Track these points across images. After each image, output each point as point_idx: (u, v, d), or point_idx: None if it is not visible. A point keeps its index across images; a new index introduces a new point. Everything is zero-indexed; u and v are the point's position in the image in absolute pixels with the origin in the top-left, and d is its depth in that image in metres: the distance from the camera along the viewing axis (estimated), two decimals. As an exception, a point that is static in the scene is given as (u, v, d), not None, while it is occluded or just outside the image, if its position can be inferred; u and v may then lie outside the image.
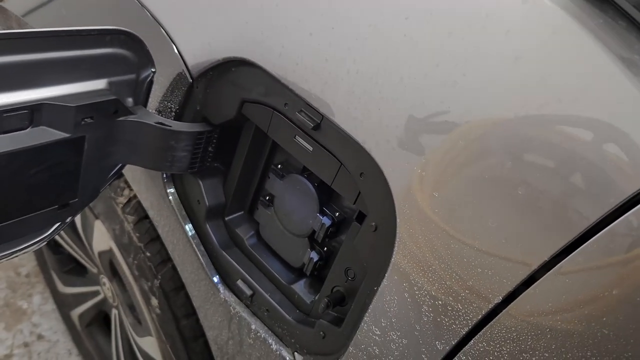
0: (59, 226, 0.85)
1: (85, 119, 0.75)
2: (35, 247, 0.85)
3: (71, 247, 1.58)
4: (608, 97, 0.53)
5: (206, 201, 0.93)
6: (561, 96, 0.55)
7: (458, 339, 0.62)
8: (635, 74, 0.53)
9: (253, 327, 0.91)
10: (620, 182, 0.52)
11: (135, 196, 1.12)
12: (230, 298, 0.94)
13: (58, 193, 0.80)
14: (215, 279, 0.95)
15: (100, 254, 1.34)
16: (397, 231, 0.66)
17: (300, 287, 0.87)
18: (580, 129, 0.54)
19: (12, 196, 0.73)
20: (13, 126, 0.69)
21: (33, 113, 0.70)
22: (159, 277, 1.11)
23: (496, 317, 0.59)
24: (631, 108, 0.52)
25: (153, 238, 1.10)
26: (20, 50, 0.67)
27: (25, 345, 1.82)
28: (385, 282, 0.68)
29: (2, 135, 0.68)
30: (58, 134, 0.73)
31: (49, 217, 0.82)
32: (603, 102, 0.53)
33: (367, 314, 0.71)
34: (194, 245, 0.96)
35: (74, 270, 1.71)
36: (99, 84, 0.78)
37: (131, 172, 1.07)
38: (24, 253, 0.84)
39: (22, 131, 0.70)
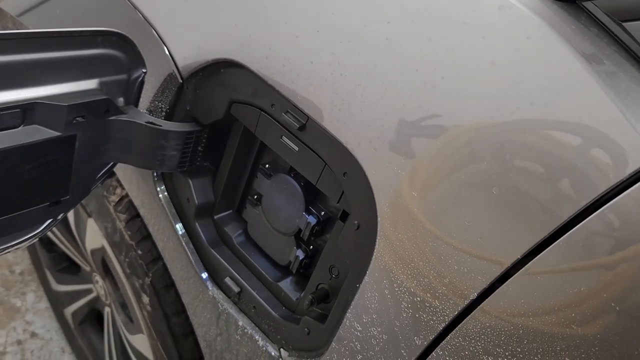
0: (50, 223, 0.87)
1: (77, 118, 0.76)
2: (26, 244, 0.86)
3: (65, 245, 1.59)
4: (579, 100, 0.55)
5: (195, 200, 0.94)
6: (533, 100, 0.57)
7: (435, 334, 0.64)
8: (604, 78, 0.55)
9: (240, 323, 0.92)
10: (592, 181, 0.54)
11: (127, 195, 1.14)
12: (219, 295, 0.95)
13: (50, 190, 0.81)
14: (204, 276, 0.97)
15: (93, 251, 1.35)
16: (378, 230, 0.67)
17: (286, 285, 0.89)
18: (552, 131, 0.56)
19: (4, 193, 0.75)
20: (5, 124, 0.71)
21: (25, 112, 0.72)
22: (150, 274, 1.12)
23: (471, 314, 0.61)
24: (600, 110, 0.54)
25: (144, 236, 1.12)
26: (13, 50, 0.69)
27: (19, 342, 1.83)
28: (366, 279, 0.69)
29: (-5, 133, 0.69)
30: (50, 133, 0.74)
31: (40, 214, 0.84)
32: (574, 105, 0.55)
33: (349, 311, 0.73)
34: (184, 243, 0.98)
35: (68, 268, 1.73)
36: (91, 83, 0.79)
37: (122, 170, 1.08)
38: (15, 249, 0.86)
39: (15, 129, 0.72)
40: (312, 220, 0.81)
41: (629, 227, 0.53)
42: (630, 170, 0.52)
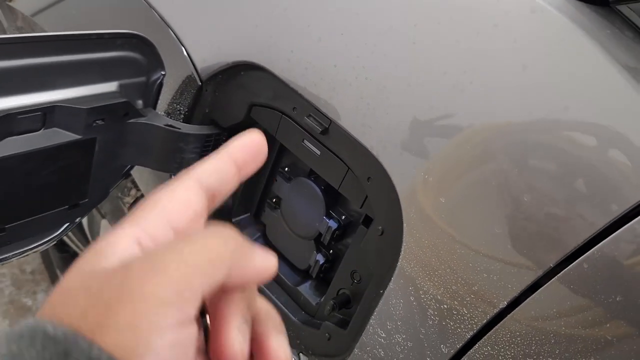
0: (68, 226, 0.86)
1: (97, 121, 0.76)
2: (44, 247, 0.86)
3: (77, 245, 1.59)
4: (614, 106, 0.54)
5: (213, 203, 0.93)
6: (567, 104, 0.55)
7: (463, 342, 0.63)
8: (641, 84, 0.53)
9: (259, 327, 0.91)
10: (626, 190, 0.53)
11: (142, 196, 1.13)
12: (236, 299, 0.95)
13: (69, 193, 0.81)
14: (222, 280, 0.96)
15: (106, 253, 1.35)
16: (404, 236, 0.66)
17: (306, 289, 0.88)
18: (586, 137, 0.55)
19: (24, 197, 0.74)
20: (26, 128, 0.70)
21: (46, 115, 0.71)
22: (165, 277, 1.11)
23: (501, 322, 0.60)
24: (637, 117, 0.53)
25: (159, 238, 1.11)
26: (34, 53, 0.69)
27: (30, 342, 1.83)
28: (391, 285, 0.69)
29: (16, 137, 0.69)
30: (70, 136, 0.74)
31: (58, 217, 0.83)
32: (609, 112, 0.54)
33: (372, 317, 0.72)
34: (201, 246, 0.97)
35: (79, 268, 1.72)
36: (110, 86, 0.79)
37: (138, 173, 1.07)
38: (33, 252, 0.86)
39: (35, 133, 0.71)
40: (333, 224, 0.80)
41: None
42: (667, 178, 0.51)
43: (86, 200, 0.83)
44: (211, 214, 0.97)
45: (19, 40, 0.67)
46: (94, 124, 0.76)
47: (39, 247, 0.86)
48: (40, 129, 0.72)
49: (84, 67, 0.75)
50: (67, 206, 0.82)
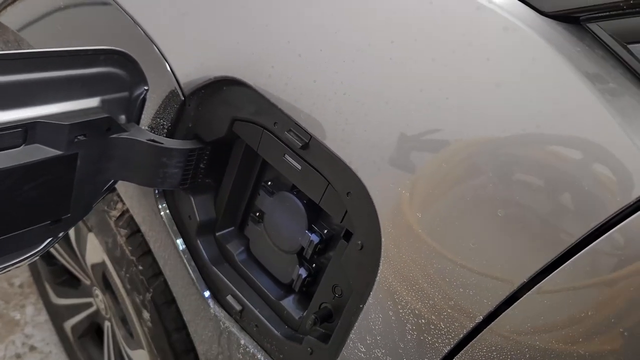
0: (51, 241, 0.86)
1: (78, 137, 0.76)
2: (27, 262, 0.86)
3: (65, 258, 1.59)
4: (585, 123, 0.55)
5: (197, 217, 0.94)
6: (539, 121, 0.56)
7: (440, 357, 0.63)
8: (610, 100, 0.54)
9: (242, 342, 0.91)
10: (603, 201, 0.54)
11: (128, 210, 1.13)
12: (220, 313, 0.95)
13: (51, 209, 0.81)
14: (206, 294, 0.96)
15: (93, 266, 1.35)
16: (382, 250, 0.67)
17: (288, 303, 0.88)
18: (558, 154, 0.56)
19: (6, 212, 0.74)
20: (7, 144, 0.70)
21: (27, 131, 0.71)
22: (151, 290, 1.11)
23: (477, 336, 0.60)
24: (607, 133, 0.54)
25: (145, 252, 1.11)
26: (17, 70, 0.69)
27: (18, 356, 1.82)
28: (370, 300, 0.69)
29: (-4, 153, 0.69)
30: (51, 152, 0.74)
31: (41, 232, 0.83)
32: (580, 128, 0.55)
33: (353, 331, 0.72)
34: (185, 260, 0.98)
35: (67, 281, 1.72)
36: (92, 102, 0.79)
37: (123, 187, 1.08)
38: (16, 267, 0.85)
39: (16, 149, 0.71)
40: (315, 238, 0.81)
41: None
42: (637, 193, 0.52)
43: (69, 215, 0.84)
44: (197, 225, 0.97)
45: (2, 58, 0.68)
46: (76, 140, 0.76)
47: (22, 262, 0.86)
48: (21, 145, 0.72)
49: (67, 83, 0.75)
50: (49, 221, 0.82)
